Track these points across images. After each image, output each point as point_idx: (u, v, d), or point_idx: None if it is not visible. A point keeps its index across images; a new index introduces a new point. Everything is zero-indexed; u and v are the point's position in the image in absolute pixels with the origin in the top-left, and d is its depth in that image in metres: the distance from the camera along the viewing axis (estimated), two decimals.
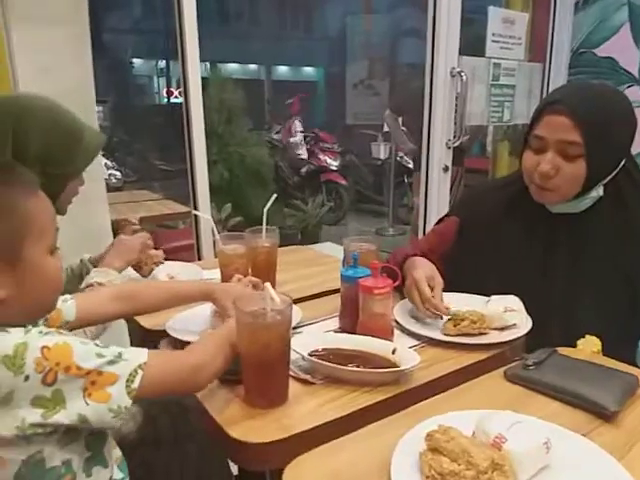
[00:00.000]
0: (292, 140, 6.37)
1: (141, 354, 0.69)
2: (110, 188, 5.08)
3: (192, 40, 1.80)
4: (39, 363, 0.61)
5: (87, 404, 0.63)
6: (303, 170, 6.24)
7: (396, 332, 1.11)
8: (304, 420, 0.83)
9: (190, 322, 1.12)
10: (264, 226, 1.37)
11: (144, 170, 7.22)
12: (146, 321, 1.19)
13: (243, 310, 0.82)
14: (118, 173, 5.18)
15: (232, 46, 13.19)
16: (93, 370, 0.64)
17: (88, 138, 1.15)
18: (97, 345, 0.67)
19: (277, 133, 7.08)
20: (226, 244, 1.31)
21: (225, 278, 1.31)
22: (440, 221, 1.45)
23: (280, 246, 1.43)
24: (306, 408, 0.86)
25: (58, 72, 1.82)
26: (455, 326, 1.09)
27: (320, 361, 0.92)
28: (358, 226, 6.17)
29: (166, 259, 1.56)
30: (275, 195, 1.44)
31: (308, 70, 15.25)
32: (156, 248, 1.39)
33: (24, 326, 0.66)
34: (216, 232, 1.31)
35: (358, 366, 0.93)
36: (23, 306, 0.68)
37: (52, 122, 1.09)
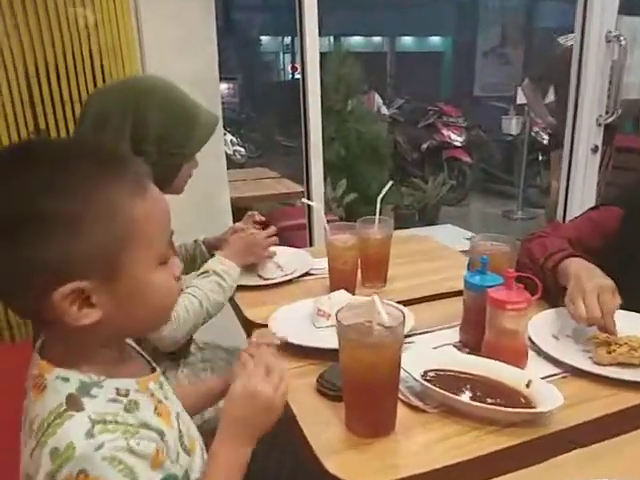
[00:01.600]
0: None
1: None
2: (234, 165, 5.30)
3: (311, 15, 1.71)
4: None
5: None
6: (424, 146, 5.94)
7: (530, 354, 0.92)
8: (413, 461, 0.70)
9: (291, 317, 1.05)
10: (377, 216, 1.23)
11: (267, 146, 7.37)
12: (249, 312, 1.13)
13: (343, 324, 0.70)
14: (242, 150, 5.32)
15: (355, 18, 12.93)
16: None
17: (204, 118, 1.14)
18: None
19: (398, 108, 6.82)
20: (335, 235, 1.20)
21: (333, 271, 1.21)
22: (594, 209, 1.21)
23: (396, 228, 1.29)
24: (416, 444, 0.73)
25: (186, 49, 1.83)
26: (609, 353, 0.88)
27: (436, 388, 0.78)
28: (481, 207, 5.76)
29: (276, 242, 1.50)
30: (391, 183, 1.29)
31: (434, 40, 14.53)
32: (266, 226, 1.34)
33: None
34: (325, 222, 1.20)
35: (482, 399, 0.77)
36: (119, 327, 0.58)
37: (170, 102, 1.09)
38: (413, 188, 5.08)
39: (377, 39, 16.17)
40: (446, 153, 5.70)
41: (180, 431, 0.64)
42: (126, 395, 0.58)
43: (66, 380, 0.55)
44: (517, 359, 0.89)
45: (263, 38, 14.13)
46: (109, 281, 0.55)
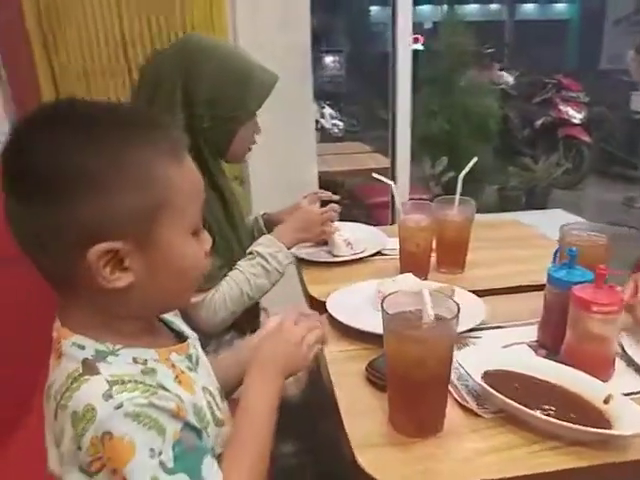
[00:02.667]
0: None
1: None
2: (331, 138, 5.25)
3: None
4: (94, 445, 0.50)
5: None
6: (537, 123, 5.47)
7: (618, 363, 0.80)
8: (454, 468, 0.63)
9: (351, 298, 1.00)
10: (457, 196, 1.14)
11: (369, 120, 7.22)
12: (313, 288, 1.11)
13: (388, 312, 0.63)
14: (341, 123, 5.25)
15: None
16: None
17: (259, 78, 1.07)
18: (164, 466, 0.51)
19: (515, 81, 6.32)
20: (409, 214, 1.12)
21: (403, 253, 1.13)
22: None
23: (499, 210, 1.17)
24: (462, 451, 0.65)
25: (280, 23, 1.82)
26: None
27: (496, 393, 0.69)
28: (599, 193, 5.21)
29: (354, 220, 1.45)
30: (475, 159, 1.18)
31: (559, 7, 13.29)
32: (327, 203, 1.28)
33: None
34: (397, 199, 1.12)
35: (549, 410, 0.67)
36: (148, 296, 0.57)
37: (221, 63, 1.04)
38: (521, 168, 4.72)
39: (495, 6, 15.15)
40: (562, 131, 5.20)
41: (209, 402, 0.63)
42: (144, 363, 0.57)
43: (82, 347, 0.55)
44: (600, 369, 0.77)
45: (372, 8, 13.81)
46: (143, 245, 0.54)
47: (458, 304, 0.64)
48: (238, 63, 1.07)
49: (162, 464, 0.51)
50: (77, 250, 0.51)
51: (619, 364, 0.80)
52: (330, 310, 0.94)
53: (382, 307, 0.64)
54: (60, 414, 0.52)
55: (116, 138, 0.53)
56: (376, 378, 0.77)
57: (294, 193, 2.07)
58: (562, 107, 5.27)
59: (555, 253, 0.89)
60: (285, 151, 2.02)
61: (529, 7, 14.71)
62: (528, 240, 1.42)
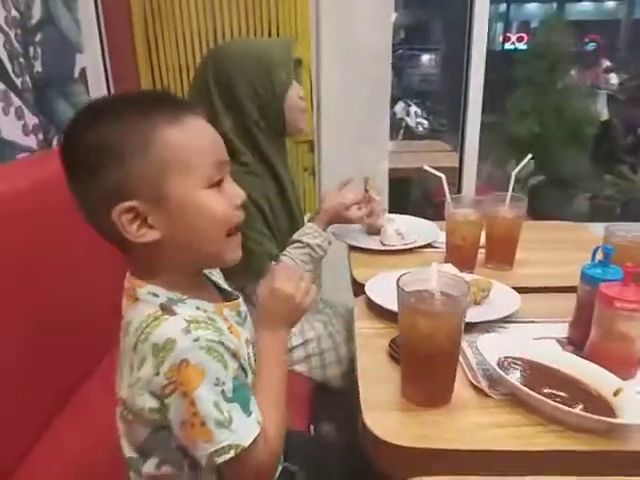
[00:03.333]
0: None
1: (248, 434, 0.62)
2: (418, 136, 5.22)
3: None
4: (172, 370, 0.59)
5: (182, 432, 0.62)
6: None
7: None
8: (455, 436, 0.68)
9: (389, 283, 1.04)
10: (509, 193, 1.15)
11: (457, 119, 7.06)
12: (357, 272, 1.17)
13: (404, 289, 0.69)
14: (425, 122, 5.22)
15: None
16: (199, 416, 0.60)
17: (277, 52, 1.17)
18: (224, 394, 0.61)
19: (621, 84, 5.90)
20: (458, 208, 1.15)
21: (449, 246, 1.17)
22: None
23: (590, 220, 1.17)
24: (467, 423, 0.70)
25: (362, 20, 1.88)
26: None
27: (505, 375, 0.73)
28: None
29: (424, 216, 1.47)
30: (530, 156, 1.18)
31: None
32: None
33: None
34: (447, 192, 1.16)
35: (557, 397, 0.70)
36: (179, 249, 0.65)
37: (244, 57, 1.15)
38: (618, 177, 4.43)
39: (611, 4, 14.10)
40: None
41: (249, 353, 0.73)
42: (205, 312, 0.67)
43: (156, 295, 0.66)
44: (624, 367, 0.77)
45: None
46: (157, 202, 0.62)
47: (469, 283, 0.69)
48: (254, 48, 1.18)
49: (223, 393, 0.61)
50: (107, 211, 0.62)
51: None
52: (367, 291, 1.01)
53: (397, 284, 0.70)
54: (140, 346, 0.62)
55: (123, 114, 0.63)
56: (396, 353, 0.82)
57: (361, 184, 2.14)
58: None
59: (594, 251, 0.89)
60: (357, 146, 2.08)
61: None
62: (586, 244, 1.39)
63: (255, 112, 1.16)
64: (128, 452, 0.70)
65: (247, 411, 0.63)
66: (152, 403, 0.62)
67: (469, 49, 1.68)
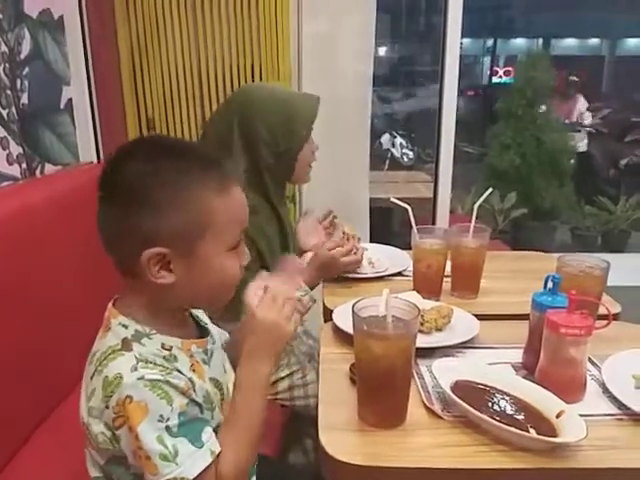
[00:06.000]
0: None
1: (195, 466, 0.64)
2: (401, 167, 5.35)
3: (455, 15, 1.68)
4: (118, 405, 0.64)
5: (135, 461, 0.66)
6: (622, 162, 5.23)
7: (596, 390, 0.84)
8: (402, 455, 0.71)
9: None
10: (472, 223, 1.20)
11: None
12: (328, 299, 1.21)
13: (358, 315, 0.74)
14: (410, 153, 5.35)
15: (569, 19, 11.85)
16: (143, 449, 0.63)
17: (303, 105, 1.23)
18: (169, 430, 0.64)
19: (602, 118, 6.09)
20: (424, 238, 1.20)
21: (416, 274, 1.22)
22: None
23: (571, 251, 1.21)
24: (416, 443, 0.73)
25: (343, 51, 1.95)
26: None
27: (456, 398, 0.76)
28: None
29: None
30: (490, 190, 1.24)
31: None
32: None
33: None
34: (413, 223, 1.21)
35: (503, 419, 0.73)
36: (188, 294, 0.71)
37: (268, 108, 1.21)
38: (599, 208, 4.53)
39: (595, 41, 14.59)
40: None
41: (214, 391, 0.75)
42: (169, 350, 0.71)
43: (125, 327, 0.70)
44: (571, 390, 0.82)
45: (464, 41, 13.79)
46: (185, 254, 0.68)
47: (419, 308, 0.73)
48: (281, 97, 1.23)
49: (168, 429, 0.64)
50: (137, 249, 0.67)
51: (596, 389, 0.84)
52: (334, 317, 1.05)
53: (352, 310, 0.74)
54: (95, 377, 0.67)
55: (176, 171, 0.68)
56: (355, 376, 0.86)
57: (344, 215, 2.19)
58: None
59: (546, 280, 0.94)
60: (338, 175, 2.14)
61: (634, 42, 14.02)
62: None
63: (270, 157, 1.22)
64: (93, 472, 0.73)
65: (198, 443, 0.65)
66: (105, 432, 0.66)
67: (441, 84, 1.76)
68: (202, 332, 0.81)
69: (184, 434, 0.65)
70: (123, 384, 0.64)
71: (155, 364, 0.67)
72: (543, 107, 4.50)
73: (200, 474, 0.64)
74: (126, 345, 0.68)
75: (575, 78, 5.86)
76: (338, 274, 1.29)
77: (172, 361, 0.70)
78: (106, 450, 0.68)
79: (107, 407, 0.65)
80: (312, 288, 1.26)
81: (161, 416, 0.64)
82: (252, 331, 0.74)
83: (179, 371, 0.69)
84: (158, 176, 0.67)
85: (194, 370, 0.72)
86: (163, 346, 0.71)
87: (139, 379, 0.64)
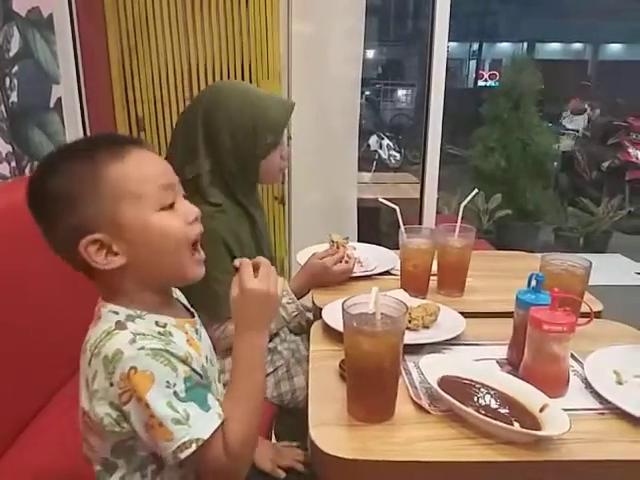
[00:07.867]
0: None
1: (207, 427, 0.66)
2: (388, 168, 5.40)
3: (442, 19, 1.71)
4: (122, 379, 0.64)
5: (146, 435, 0.66)
6: (604, 165, 5.33)
7: (579, 385, 0.86)
8: (389, 449, 0.73)
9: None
10: (458, 223, 1.22)
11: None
12: (318, 298, 1.22)
13: (348, 312, 0.75)
14: (397, 155, 5.40)
15: (555, 25, 12.04)
16: (155, 417, 0.64)
17: (274, 111, 1.17)
18: (177, 395, 0.65)
19: (590, 121, 6.20)
20: (411, 238, 1.23)
21: (403, 273, 1.24)
22: None
23: (554, 251, 1.23)
24: (403, 437, 0.75)
25: (332, 54, 1.97)
26: None
27: (443, 393, 0.78)
28: None
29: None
30: (476, 191, 1.26)
31: None
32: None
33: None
34: (401, 223, 1.23)
35: (488, 413, 0.75)
36: (148, 266, 0.71)
37: (236, 106, 1.16)
38: (581, 209, 4.62)
39: (578, 46, 14.82)
40: (629, 174, 5.04)
41: (207, 367, 0.77)
42: (164, 327, 0.72)
43: (116, 313, 0.71)
44: (554, 386, 0.84)
45: (451, 44, 13.94)
46: (118, 231, 0.68)
47: (407, 305, 0.75)
48: (250, 100, 1.17)
49: (176, 394, 0.66)
50: (74, 246, 0.68)
51: (579, 385, 0.87)
52: (324, 315, 1.06)
53: (342, 307, 0.76)
54: (94, 360, 0.67)
55: (73, 163, 0.70)
56: (345, 372, 0.87)
57: (336, 218, 2.21)
58: (631, 150, 5.12)
59: (529, 278, 0.97)
60: (327, 176, 2.17)
61: (616, 47, 14.28)
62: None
63: (233, 166, 1.19)
64: (95, 464, 0.74)
65: (205, 406, 0.67)
66: (111, 413, 0.67)
67: (429, 86, 1.78)
68: (190, 313, 0.83)
69: (192, 398, 0.66)
70: (124, 358, 0.65)
71: (153, 337, 0.68)
72: (526, 110, 4.56)
73: (212, 435, 0.66)
74: (120, 325, 0.69)
75: (587, 83, 5.95)
76: (330, 283, 1.27)
77: (168, 336, 0.71)
78: (112, 434, 0.68)
79: (112, 384, 0.65)
80: (299, 297, 1.28)
81: (168, 382, 0.65)
82: (243, 305, 0.75)
83: (176, 345, 0.70)
84: (67, 176, 0.68)
85: (190, 344, 0.74)
86: (157, 324, 0.72)
87: (140, 349, 0.65)
